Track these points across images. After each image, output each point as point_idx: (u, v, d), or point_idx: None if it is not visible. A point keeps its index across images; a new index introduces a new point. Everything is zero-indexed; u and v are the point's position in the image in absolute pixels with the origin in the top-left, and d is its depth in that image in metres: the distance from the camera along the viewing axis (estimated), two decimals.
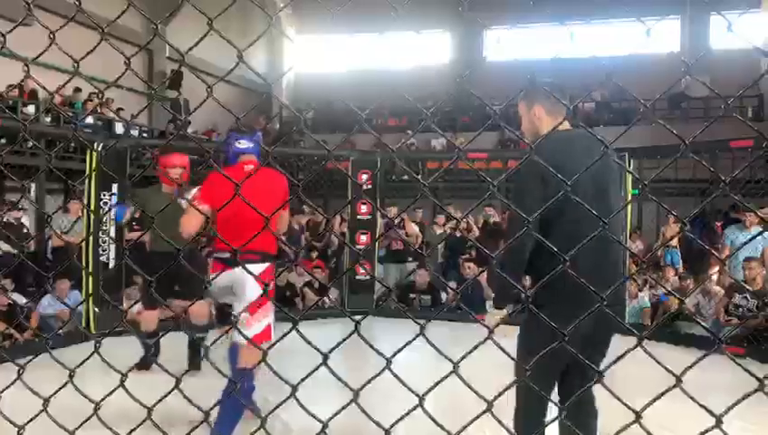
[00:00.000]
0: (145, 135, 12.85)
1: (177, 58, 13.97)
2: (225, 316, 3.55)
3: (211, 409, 1.13)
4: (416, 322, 1.10)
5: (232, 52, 1.12)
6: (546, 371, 2.16)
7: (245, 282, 3.08)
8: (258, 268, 3.12)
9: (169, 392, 1.17)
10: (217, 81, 1.11)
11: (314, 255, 9.42)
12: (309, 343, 1.06)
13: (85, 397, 1.17)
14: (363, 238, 8.19)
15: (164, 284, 4.44)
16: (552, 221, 2.05)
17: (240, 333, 1.25)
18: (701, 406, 1.01)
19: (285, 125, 17.48)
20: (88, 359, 1.29)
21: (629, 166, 7.31)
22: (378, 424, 1.05)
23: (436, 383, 1.05)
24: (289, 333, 1.10)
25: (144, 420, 1.16)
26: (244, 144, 3.45)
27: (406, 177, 13.15)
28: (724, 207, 11.01)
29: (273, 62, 18.26)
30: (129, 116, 11.88)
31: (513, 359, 1.06)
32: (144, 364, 4.49)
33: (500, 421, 1.08)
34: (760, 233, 1.42)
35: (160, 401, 1.19)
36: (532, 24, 16.95)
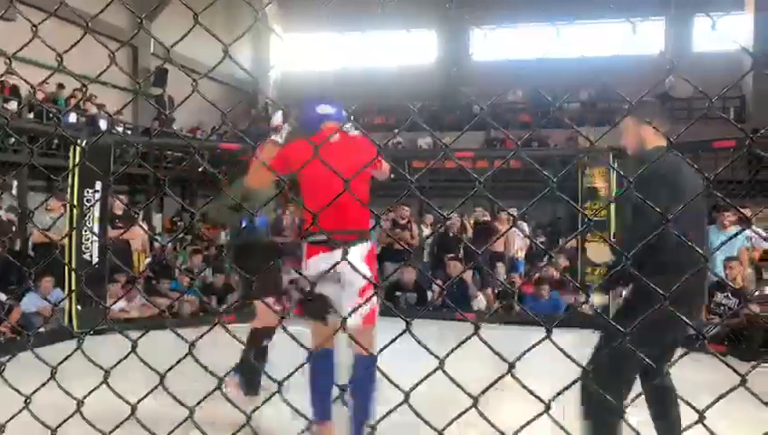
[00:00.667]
0: (129, 132, 12.75)
1: (162, 54, 13.87)
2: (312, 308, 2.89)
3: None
4: (402, 318, 1.10)
5: (218, 50, 1.11)
6: (640, 362, 2.33)
7: (355, 264, 2.61)
8: (364, 249, 2.87)
9: (152, 390, 1.16)
10: (202, 76, 1.10)
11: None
12: (296, 340, 1.06)
13: (68, 394, 1.16)
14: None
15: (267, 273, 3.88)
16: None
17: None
18: (684, 402, 1.02)
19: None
20: (69, 356, 1.28)
21: (615, 165, 7.36)
22: (372, 426, 1.05)
23: (422, 380, 1.05)
24: (275, 331, 1.09)
25: (127, 418, 1.15)
26: (326, 109, 3.10)
27: (392, 175, 13.11)
28: (708, 208, 11.11)
29: (260, 60, 18.19)
30: (113, 112, 11.77)
31: (497, 353, 1.06)
32: (253, 388, 3.79)
33: (486, 418, 1.08)
34: (737, 233, 1.43)
35: (144, 396, 1.19)
36: (518, 23, 17.01)
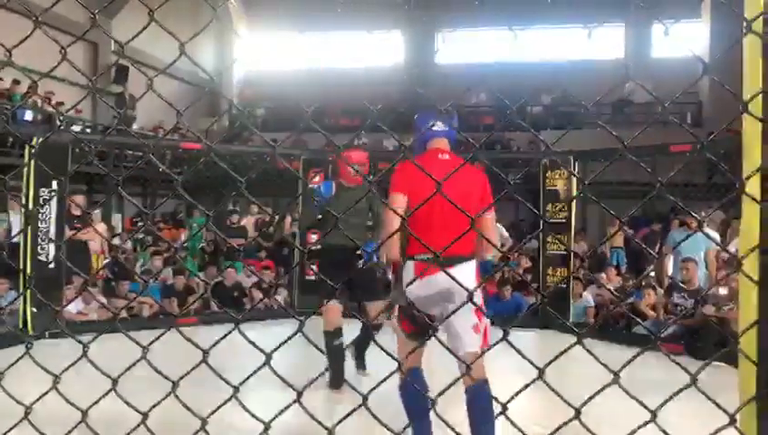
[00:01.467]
0: (89, 130, 12.48)
1: (120, 51, 13.58)
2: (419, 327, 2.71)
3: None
4: (361, 320, 1.09)
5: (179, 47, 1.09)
6: None
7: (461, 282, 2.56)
8: (470, 267, 2.78)
9: (104, 396, 1.13)
10: (158, 73, 1.07)
11: (263, 255, 9.31)
12: (251, 342, 1.04)
13: (13, 399, 1.12)
14: (314, 238, 8.14)
15: (340, 277, 4.05)
16: None
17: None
18: (637, 401, 1.04)
19: (234, 123, 17.22)
20: (19, 360, 1.24)
21: (575, 168, 7.48)
22: (320, 424, 1.04)
23: (380, 383, 1.05)
24: (230, 333, 1.08)
25: (78, 423, 1.12)
26: (438, 126, 2.96)
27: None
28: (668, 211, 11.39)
29: (223, 59, 17.97)
30: (72, 110, 11.50)
31: (454, 355, 1.06)
32: (337, 381, 3.98)
33: (445, 421, 1.08)
34: (690, 235, 1.46)
35: (96, 402, 1.16)
36: (481, 27, 17.17)
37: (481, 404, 2.60)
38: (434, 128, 2.95)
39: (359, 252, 4.45)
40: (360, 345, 4.45)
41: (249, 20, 17.96)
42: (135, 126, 13.31)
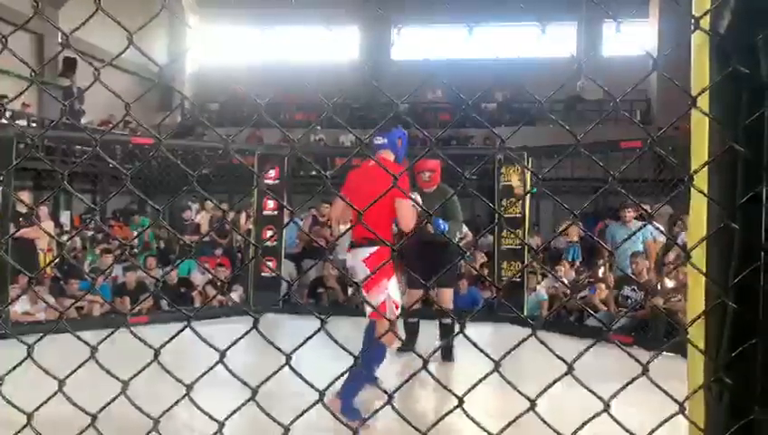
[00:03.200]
0: (34, 124, 12.07)
1: (69, 44, 13.17)
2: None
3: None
4: (317, 317, 1.08)
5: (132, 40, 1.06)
6: None
7: (356, 265, 3.69)
8: (366, 252, 3.62)
9: (49, 398, 1.09)
10: (104, 64, 1.04)
11: (218, 252, 9.18)
12: (203, 339, 1.02)
13: None
14: (269, 234, 8.06)
15: (426, 269, 4.47)
16: None
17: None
18: (590, 391, 1.05)
19: (187, 117, 16.91)
20: None
21: (529, 165, 7.58)
22: (277, 422, 1.03)
23: (336, 378, 1.04)
24: (182, 331, 1.05)
25: (24, 427, 1.08)
26: (379, 140, 3.94)
27: (314, 172, 13.06)
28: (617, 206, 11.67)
29: (176, 53, 17.59)
30: (17, 103, 11.12)
31: (413, 350, 1.06)
32: (409, 346, 4.90)
33: (401, 414, 1.08)
34: (640, 228, 1.50)
35: (41, 405, 1.11)
36: (437, 24, 17.27)
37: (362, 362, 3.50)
38: (375, 142, 3.88)
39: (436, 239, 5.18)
40: (446, 337, 5.19)
41: (202, 13, 17.65)
42: (84, 120, 12.93)
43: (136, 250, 9.19)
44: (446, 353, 5.11)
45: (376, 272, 3.37)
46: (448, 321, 5.24)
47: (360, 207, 1.31)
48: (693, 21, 1.03)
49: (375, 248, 3.61)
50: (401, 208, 3.58)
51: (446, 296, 5.52)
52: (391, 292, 3.60)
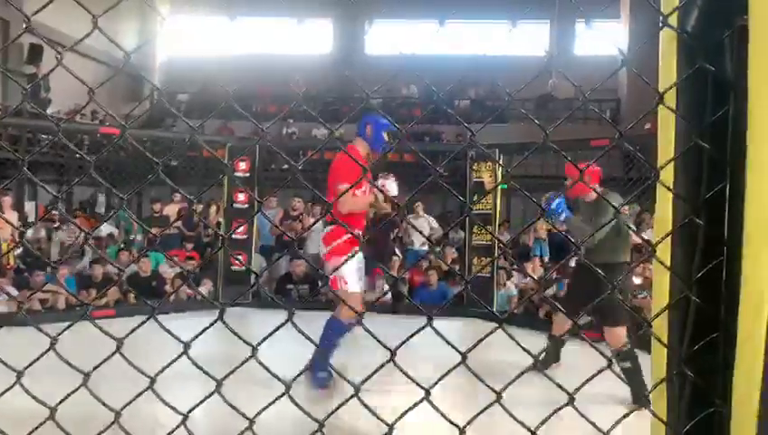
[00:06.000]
0: None
1: (38, 31, 12.87)
2: None
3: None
4: (285, 308, 1.07)
5: (102, 29, 1.03)
6: None
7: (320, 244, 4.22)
8: (324, 232, 4.14)
9: (7, 390, 1.07)
10: (68, 48, 1.01)
11: (189, 246, 9.06)
12: (167, 330, 1.00)
13: None
14: (240, 228, 7.99)
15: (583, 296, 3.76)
16: None
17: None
18: (556, 384, 1.06)
19: (156, 108, 16.65)
20: None
21: (500, 161, 7.64)
22: (243, 415, 1.02)
23: (301, 371, 1.03)
24: (145, 322, 1.04)
25: None
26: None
27: (286, 166, 12.98)
28: None
29: (146, 42, 17.32)
30: None
31: (379, 341, 1.06)
32: (552, 361, 4.60)
33: (366, 404, 1.08)
34: (605, 224, 1.52)
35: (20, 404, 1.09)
36: (412, 20, 17.28)
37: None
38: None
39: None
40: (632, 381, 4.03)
41: (173, 3, 17.38)
42: (50, 109, 12.65)
43: (121, 245, 9.00)
44: (637, 397, 3.84)
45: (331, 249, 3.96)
46: (628, 364, 3.98)
47: (325, 196, 1.31)
48: (661, 19, 1.04)
49: (331, 227, 4.07)
50: (337, 194, 3.86)
51: (619, 336, 4.18)
52: (344, 270, 3.87)
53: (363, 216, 4.20)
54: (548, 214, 4.34)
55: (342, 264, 3.79)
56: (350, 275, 4.00)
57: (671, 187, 1.05)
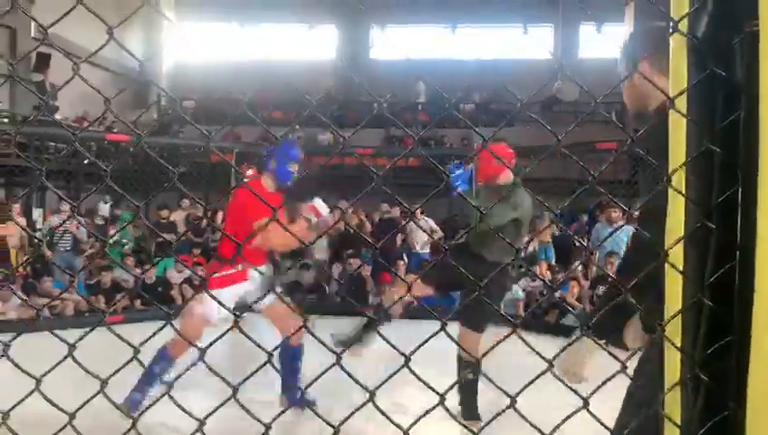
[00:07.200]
0: (6, 120, 11.86)
1: (50, 41, 12.94)
2: None
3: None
4: (301, 316, 1.08)
5: (105, 36, 1.04)
6: None
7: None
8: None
9: (26, 396, 1.08)
10: (84, 59, 1.02)
11: (197, 251, 9.09)
12: (185, 338, 1.01)
13: None
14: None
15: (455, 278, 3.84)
16: None
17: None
18: (570, 389, 1.06)
19: (163, 114, 16.72)
20: None
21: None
22: (258, 420, 1.02)
23: (318, 376, 1.04)
24: (163, 328, 1.05)
25: None
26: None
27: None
28: (592, 206, 11.80)
29: (152, 49, 17.38)
30: None
31: (393, 347, 1.07)
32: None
33: (382, 410, 1.08)
34: (619, 227, 1.52)
35: (17, 404, 1.10)
36: (414, 24, 17.33)
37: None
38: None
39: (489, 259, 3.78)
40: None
41: (178, 10, 17.46)
42: (57, 117, 12.71)
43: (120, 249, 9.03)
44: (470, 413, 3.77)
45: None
46: (471, 376, 3.76)
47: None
48: (671, 24, 1.05)
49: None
50: (253, 229, 3.76)
51: (473, 343, 3.82)
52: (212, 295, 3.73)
53: (263, 251, 3.98)
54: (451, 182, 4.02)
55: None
56: (213, 309, 3.65)
57: (683, 190, 1.06)
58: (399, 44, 17.61)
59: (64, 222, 7.80)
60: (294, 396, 3.88)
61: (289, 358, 3.92)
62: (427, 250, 9.26)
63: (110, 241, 9.01)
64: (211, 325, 3.62)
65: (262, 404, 3.63)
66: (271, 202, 3.62)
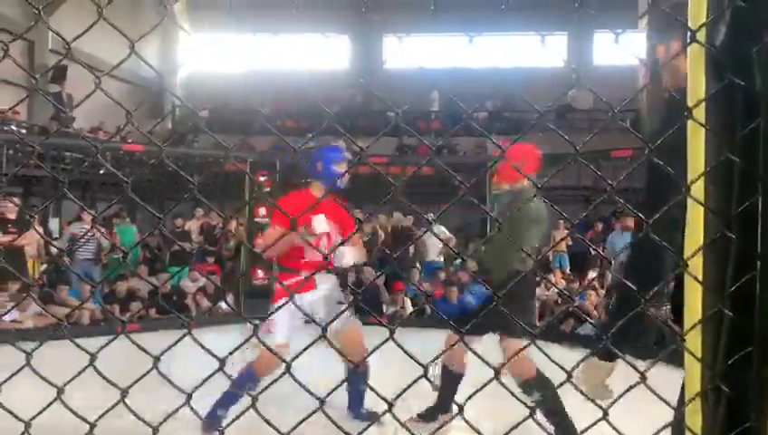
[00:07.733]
0: (24, 130, 12.01)
1: (61, 50, 13.12)
2: None
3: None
4: (318, 325, 1.09)
5: (121, 46, 1.06)
6: None
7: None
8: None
9: (50, 404, 1.09)
10: (105, 73, 1.04)
11: (210, 260, 9.14)
12: (206, 349, 1.02)
13: None
14: (260, 242, 8.05)
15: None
16: None
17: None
18: (589, 399, 1.06)
19: (178, 124, 16.85)
20: None
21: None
22: (277, 430, 1.03)
23: (338, 386, 1.04)
24: (183, 338, 1.05)
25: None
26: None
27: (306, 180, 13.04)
28: (608, 214, 11.74)
29: (166, 60, 17.57)
30: (5, 110, 11.03)
31: (411, 356, 1.07)
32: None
33: (398, 419, 1.08)
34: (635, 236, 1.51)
35: (39, 413, 1.11)
36: (427, 33, 17.38)
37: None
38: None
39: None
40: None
41: (192, 20, 17.63)
42: (74, 127, 12.86)
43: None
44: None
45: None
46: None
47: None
48: (689, 34, 1.05)
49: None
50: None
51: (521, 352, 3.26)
52: (276, 317, 3.67)
53: (307, 260, 3.85)
54: None
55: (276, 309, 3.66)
56: (281, 322, 3.65)
57: (702, 200, 1.05)
58: (413, 54, 17.65)
59: (87, 232, 7.88)
60: (360, 412, 3.49)
61: (357, 381, 3.55)
62: (441, 259, 9.25)
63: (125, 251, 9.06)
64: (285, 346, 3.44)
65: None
66: (323, 208, 3.65)
